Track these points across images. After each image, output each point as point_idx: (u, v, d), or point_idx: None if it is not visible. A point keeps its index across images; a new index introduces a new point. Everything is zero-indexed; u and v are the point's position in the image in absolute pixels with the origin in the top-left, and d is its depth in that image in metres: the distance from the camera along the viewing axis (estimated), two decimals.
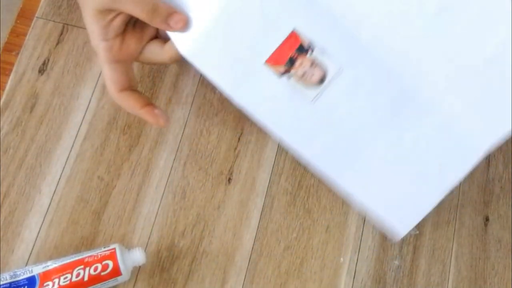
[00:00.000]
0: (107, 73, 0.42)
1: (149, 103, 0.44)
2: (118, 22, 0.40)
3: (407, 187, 0.44)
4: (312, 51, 0.41)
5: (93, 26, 0.40)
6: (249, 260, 0.51)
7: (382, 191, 0.44)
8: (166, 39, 0.44)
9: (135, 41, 0.43)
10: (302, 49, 0.41)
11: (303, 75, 0.41)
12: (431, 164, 0.43)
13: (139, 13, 0.40)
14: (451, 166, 0.43)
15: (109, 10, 0.39)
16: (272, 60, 0.41)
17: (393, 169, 0.43)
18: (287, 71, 0.42)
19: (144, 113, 0.44)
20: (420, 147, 0.43)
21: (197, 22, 0.41)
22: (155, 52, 0.44)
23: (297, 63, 0.41)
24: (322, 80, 0.41)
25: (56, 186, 0.51)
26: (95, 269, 0.45)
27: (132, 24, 0.43)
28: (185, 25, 0.41)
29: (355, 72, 0.41)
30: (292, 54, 0.41)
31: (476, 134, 0.42)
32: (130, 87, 0.44)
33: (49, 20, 0.56)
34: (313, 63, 0.41)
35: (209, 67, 0.42)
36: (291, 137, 0.43)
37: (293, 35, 0.41)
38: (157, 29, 0.44)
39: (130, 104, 0.43)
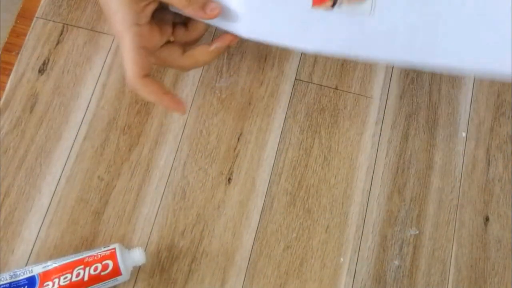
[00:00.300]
0: (133, 57, 0.42)
1: (169, 90, 0.44)
2: (151, 9, 0.41)
3: (497, 33, 0.44)
4: None
5: (125, 11, 0.40)
6: (249, 260, 0.51)
7: (480, 49, 0.44)
8: (183, 45, 0.45)
9: (159, 33, 0.44)
10: None
11: None
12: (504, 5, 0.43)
13: (176, 0, 0.41)
14: None
15: None
16: (317, 1, 0.42)
17: (478, 24, 0.44)
18: (334, 1, 0.42)
19: (166, 99, 0.43)
20: None
21: (238, 2, 0.42)
22: (173, 55, 0.45)
23: None
24: None
25: (56, 186, 0.51)
26: (95, 269, 0.45)
27: (153, 17, 0.43)
28: (219, 13, 0.42)
29: None
30: None
31: None
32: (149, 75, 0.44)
33: (49, 20, 0.56)
34: None
35: (272, 35, 0.44)
36: (376, 53, 0.44)
37: None
38: (172, 32, 0.45)
39: (153, 89, 0.43)
